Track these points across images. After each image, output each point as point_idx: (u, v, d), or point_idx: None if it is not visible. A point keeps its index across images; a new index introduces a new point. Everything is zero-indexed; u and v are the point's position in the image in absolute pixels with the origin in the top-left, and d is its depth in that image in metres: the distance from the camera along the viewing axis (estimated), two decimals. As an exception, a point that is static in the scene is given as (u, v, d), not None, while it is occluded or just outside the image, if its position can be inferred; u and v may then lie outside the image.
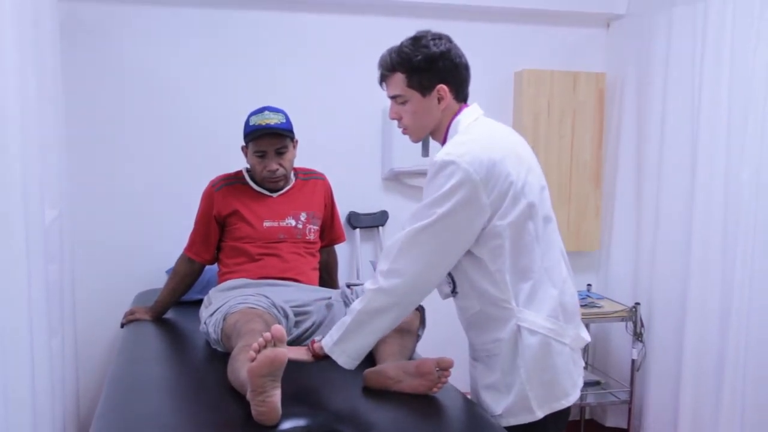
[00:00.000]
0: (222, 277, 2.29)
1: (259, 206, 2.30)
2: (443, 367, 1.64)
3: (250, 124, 2.26)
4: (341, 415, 1.53)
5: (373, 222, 3.21)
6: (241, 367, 1.57)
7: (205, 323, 2.04)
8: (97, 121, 2.90)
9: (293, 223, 2.31)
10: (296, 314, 2.07)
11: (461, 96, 1.72)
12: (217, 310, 2.00)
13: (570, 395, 1.68)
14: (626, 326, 3.08)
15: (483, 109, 1.74)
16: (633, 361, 3.08)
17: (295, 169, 2.40)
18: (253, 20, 3.02)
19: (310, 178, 2.44)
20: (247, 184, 2.34)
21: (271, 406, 1.43)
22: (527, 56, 3.31)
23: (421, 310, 2.01)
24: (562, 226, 1.77)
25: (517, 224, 1.60)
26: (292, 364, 1.53)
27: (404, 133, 1.77)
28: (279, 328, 1.45)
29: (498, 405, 1.65)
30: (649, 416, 3.12)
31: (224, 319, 1.93)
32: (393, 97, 1.72)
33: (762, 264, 2.68)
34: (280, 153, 2.27)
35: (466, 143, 1.61)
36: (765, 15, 2.60)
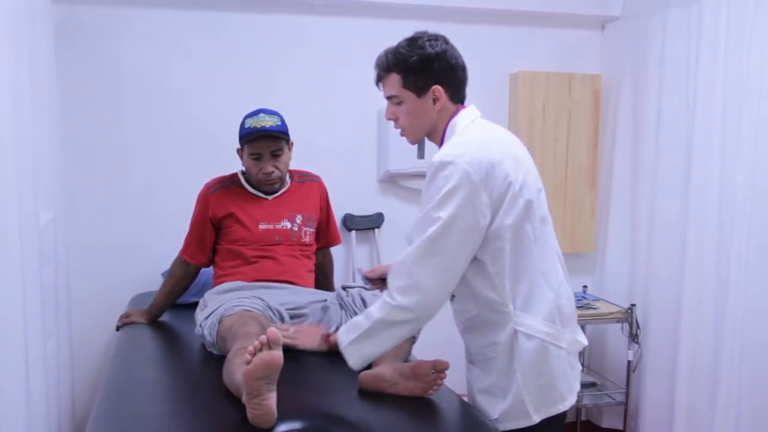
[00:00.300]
0: (217, 279, 2.28)
1: (255, 209, 2.29)
2: (439, 370, 1.64)
3: (246, 126, 2.25)
4: (337, 418, 1.53)
5: (368, 224, 3.20)
6: (237, 370, 1.56)
7: (200, 326, 2.04)
8: (94, 123, 2.89)
9: (289, 225, 2.31)
10: (292, 317, 2.07)
11: (458, 97, 1.71)
12: (212, 312, 2.00)
13: (567, 399, 1.68)
14: (622, 328, 3.08)
15: (478, 110, 1.74)
16: (629, 362, 3.08)
17: (290, 172, 2.40)
18: (249, 22, 3.02)
19: (305, 180, 2.44)
20: (243, 186, 2.34)
21: (267, 409, 1.43)
22: (522, 58, 3.32)
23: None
24: (557, 228, 1.77)
25: (517, 226, 1.60)
26: (288, 367, 1.52)
27: (402, 134, 1.76)
28: (274, 331, 1.44)
29: (494, 409, 1.65)
30: (645, 417, 3.12)
31: (220, 322, 1.93)
32: (389, 98, 1.72)
33: (757, 266, 2.69)
34: (275, 155, 2.26)
35: (463, 144, 1.62)
36: (759, 17, 2.62)
